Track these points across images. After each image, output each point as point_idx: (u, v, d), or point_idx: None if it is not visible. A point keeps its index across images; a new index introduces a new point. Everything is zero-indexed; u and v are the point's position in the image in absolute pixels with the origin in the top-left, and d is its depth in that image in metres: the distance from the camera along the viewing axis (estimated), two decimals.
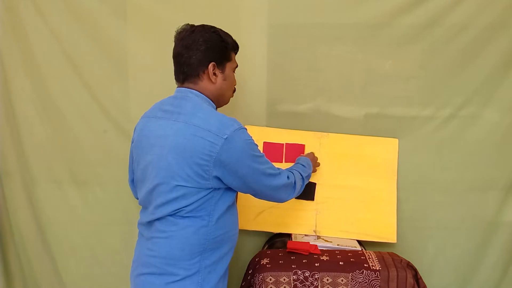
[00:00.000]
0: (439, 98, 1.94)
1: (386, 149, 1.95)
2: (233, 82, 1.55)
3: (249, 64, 1.92)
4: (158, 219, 1.42)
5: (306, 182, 1.71)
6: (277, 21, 1.91)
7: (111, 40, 1.93)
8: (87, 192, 2.06)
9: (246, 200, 1.76)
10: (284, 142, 1.97)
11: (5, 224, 2.11)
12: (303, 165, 1.75)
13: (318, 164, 1.91)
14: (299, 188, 1.63)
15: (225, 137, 1.34)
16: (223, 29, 1.50)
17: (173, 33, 1.87)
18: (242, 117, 1.96)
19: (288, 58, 1.94)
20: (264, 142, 1.95)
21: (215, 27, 1.48)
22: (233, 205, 1.50)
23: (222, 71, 1.47)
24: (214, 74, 1.45)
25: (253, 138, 1.44)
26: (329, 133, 1.97)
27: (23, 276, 2.14)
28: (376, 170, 1.94)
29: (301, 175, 1.66)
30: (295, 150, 1.95)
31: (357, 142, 1.96)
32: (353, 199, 1.93)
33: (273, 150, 1.96)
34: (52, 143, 2.03)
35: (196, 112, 1.39)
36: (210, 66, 1.43)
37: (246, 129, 1.42)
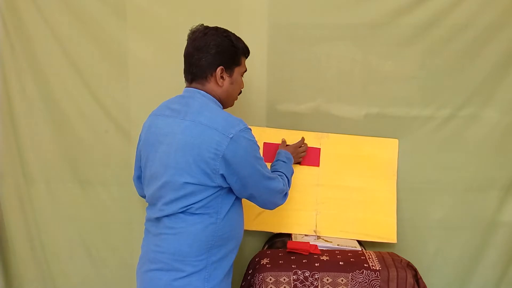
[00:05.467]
0: (439, 98, 1.94)
1: (386, 150, 1.95)
2: (240, 85, 1.57)
3: (249, 64, 1.89)
4: (167, 215, 1.44)
5: (290, 183, 1.70)
6: (277, 21, 1.91)
7: (112, 40, 1.94)
8: (89, 192, 2.06)
9: (246, 200, 1.75)
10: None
11: (4, 225, 2.11)
12: (283, 161, 1.75)
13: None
14: (287, 191, 1.63)
15: (230, 136, 1.37)
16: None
17: (173, 33, 1.87)
18: (242, 117, 1.94)
19: (288, 58, 1.94)
20: (264, 143, 1.95)
21: (228, 31, 1.50)
22: (240, 203, 1.53)
23: (230, 75, 1.49)
24: (222, 77, 1.47)
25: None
26: (329, 134, 1.97)
27: (22, 278, 2.14)
28: (376, 171, 1.94)
29: (287, 178, 1.67)
30: (312, 153, 1.95)
31: (357, 143, 1.96)
32: (353, 199, 1.93)
33: (273, 150, 1.95)
34: (53, 143, 2.03)
35: (203, 111, 1.42)
36: (218, 69, 1.46)
37: (250, 129, 1.45)
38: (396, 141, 1.96)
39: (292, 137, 1.96)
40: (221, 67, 1.46)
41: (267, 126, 1.98)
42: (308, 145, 1.96)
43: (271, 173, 1.52)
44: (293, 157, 1.83)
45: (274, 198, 1.54)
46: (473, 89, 1.92)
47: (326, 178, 1.94)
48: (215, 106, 1.47)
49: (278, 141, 1.96)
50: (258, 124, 1.98)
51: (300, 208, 1.92)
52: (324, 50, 1.93)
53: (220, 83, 1.47)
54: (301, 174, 1.94)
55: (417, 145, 1.96)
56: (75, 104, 2.00)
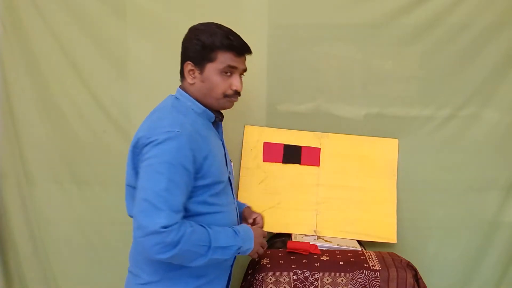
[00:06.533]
0: (439, 98, 1.94)
1: (386, 149, 1.95)
2: (218, 85, 1.38)
3: (249, 64, 1.90)
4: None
5: (223, 256, 1.33)
6: (277, 21, 1.91)
7: (111, 40, 1.93)
8: (87, 192, 2.06)
9: (246, 200, 1.76)
10: (283, 142, 1.96)
11: (6, 225, 2.11)
12: (236, 231, 1.38)
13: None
14: (191, 255, 1.27)
15: (149, 139, 1.28)
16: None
17: (173, 33, 1.87)
18: (242, 117, 1.97)
19: (288, 58, 1.94)
20: (264, 142, 1.95)
21: (204, 25, 1.40)
22: (198, 216, 1.35)
23: (201, 72, 1.38)
24: (191, 73, 1.39)
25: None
26: (329, 133, 1.97)
27: (23, 278, 2.14)
28: (376, 170, 1.94)
29: (210, 242, 1.29)
30: (312, 153, 1.95)
31: (357, 142, 1.96)
32: (353, 199, 1.93)
33: (273, 150, 1.96)
34: (52, 143, 2.03)
35: (157, 112, 1.39)
36: (185, 65, 1.40)
37: (177, 139, 1.27)
38: (396, 141, 1.96)
39: (292, 137, 1.97)
40: (187, 62, 1.38)
41: (267, 126, 1.98)
42: (308, 145, 1.96)
43: (160, 202, 1.20)
44: (254, 245, 1.41)
45: (144, 240, 1.19)
46: (473, 89, 1.92)
47: (326, 178, 1.94)
48: (171, 107, 1.37)
49: (278, 141, 1.96)
50: (258, 124, 1.98)
51: (300, 208, 1.92)
52: (324, 50, 1.93)
53: (190, 80, 1.39)
54: (301, 174, 1.95)
55: (417, 145, 1.96)
56: (74, 104, 1.99)
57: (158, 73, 1.95)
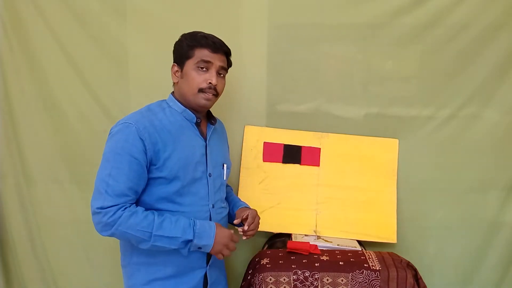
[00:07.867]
0: (439, 98, 1.94)
1: (386, 149, 1.95)
2: (194, 79, 1.45)
3: (249, 64, 1.92)
4: None
5: (170, 245, 1.37)
6: (277, 21, 1.91)
7: (112, 40, 1.94)
8: (87, 192, 2.05)
9: (245, 200, 1.76)
10: (283, 142, 1.96)
11: (5, 226, 2.11)
12: (191, 224, 1.40)
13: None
14: (132, 238, 1.36)
15: (110, 131, 1.43)
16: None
17: (173, 33, 1.87)
18: (242, 117, 1.97)
19: (288, 58, 1.94)
20: (264, 142, 1.95)
21: (189, 33, 1.51)
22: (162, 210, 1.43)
23: (182, 70, 1.49)
24: (176, 74, 1.50)
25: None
26: (329, 133, 1.97)
27: (22, 279, 2.14)
28: (376, 170, 1.94)
29: (153, 229, 1.35)
30: (312, 153, 1.95)
31: (357, 142, 1.96)
32: (353, 199, 1.93)
33: (273, 149, 1.96)
34: (52, 143, 2.03)
35: None
36: (172, 67, 1.51)
37: (126, 130, 1.38)
38: (396, 141, 1.96)
39: (292, 137, 1.96)
40: (173, 64, 1.51)
41: (267, 126, 1.98)
42: (308, 145, 1.96)
43: (103, 187, 1.34)
44: (214, 243, 1.42)
45: (92, 219, 1.38)
46: (473, 89, 1.92)
47: (326, 178, 1.94)
48: (146, 106, 1.50)
49: (278, 141, 1.96)
50: (258, 124, 1.98)
51: (300, 208, 1.92)
52: (324, 50, 1.93)
53: (174, 79, 1.51)
54: (301, 174, 1.95)
55: (417, 145, 1.96)
56: (74, 104, 2.00)
57: (158, 73, 1.94)
